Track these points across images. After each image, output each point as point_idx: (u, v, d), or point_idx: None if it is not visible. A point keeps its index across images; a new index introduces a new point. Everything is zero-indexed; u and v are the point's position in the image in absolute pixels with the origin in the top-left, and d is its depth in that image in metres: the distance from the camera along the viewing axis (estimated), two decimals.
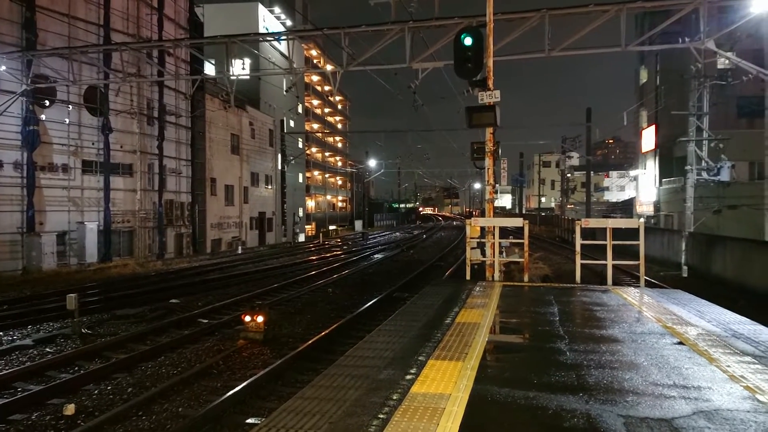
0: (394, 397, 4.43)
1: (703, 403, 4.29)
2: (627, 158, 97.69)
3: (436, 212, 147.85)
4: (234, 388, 7.80)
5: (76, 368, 9.41)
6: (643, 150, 41.58)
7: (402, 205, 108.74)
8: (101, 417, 6.99)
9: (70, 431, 6.64)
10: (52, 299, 15.01)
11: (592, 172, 48.68)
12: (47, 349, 10.61)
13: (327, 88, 70.44)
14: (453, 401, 4.33)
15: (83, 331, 11.72)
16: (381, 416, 4.04)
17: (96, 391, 8.20)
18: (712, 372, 5.07)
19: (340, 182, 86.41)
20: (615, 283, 10.99)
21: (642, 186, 43.56)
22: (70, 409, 7.31)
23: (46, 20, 22.55)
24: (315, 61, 68.90)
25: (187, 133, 32.41)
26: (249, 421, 6.90)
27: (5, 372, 8.93)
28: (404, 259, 28.85)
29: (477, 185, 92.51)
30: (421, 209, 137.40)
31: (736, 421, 3.92)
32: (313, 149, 70.47)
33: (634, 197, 47.89)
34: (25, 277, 20.52)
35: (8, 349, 10.47)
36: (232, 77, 18.98)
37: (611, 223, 11.13)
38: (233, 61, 18.58)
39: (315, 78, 68.69)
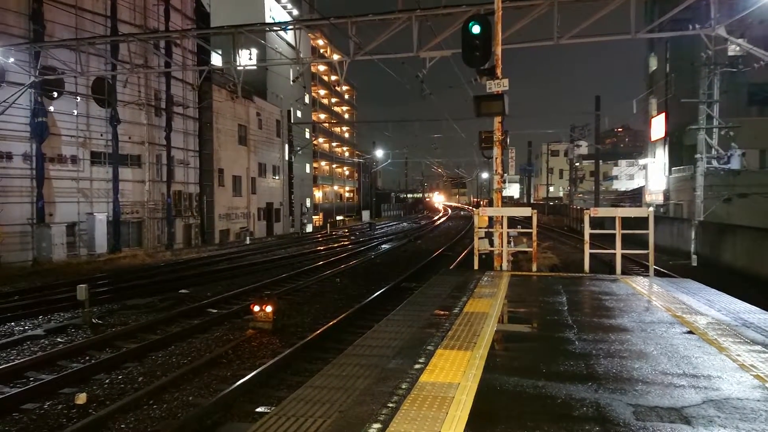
0: (403, 386, 4.44)
1: (713, 392, 4.28)
2: (636, 147, 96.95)
3: (448, 202, 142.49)
4: (244, 377, 7.85)
5: (87, 358, 9.50)
6: (653, 138, 41.25)
7: (409, 195, 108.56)
8: (112, 406, 7.05)
9: (82, 420, 6.71)
10: (63, 290, 15.14)
11: (600, 161, 48.41)
12: (58, 339, 10.72)
13: (334, 77, 70.23)
14: (462, 390, 4.33)
15: (94, 321, 11.82)
16: (390, 405, 4.05)
17: (107, 380, 8.28)
18: (722, 361, 5.05)
19: (347, 172, 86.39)
20: (624, 272, 10.95)
21: (651, 175, 43.26)
22: (81, 398, 7.39)
23: (54, 11, 22.59)
24: (322, 50, 68.68)
25: (195, 124, 32.47)
26: (259, 409, 6.95)
27: (17, 362, 9.03)
28: (412, 249, 28.85)
29: (485, 175, 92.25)
30: (434, 197, 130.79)
31: (746, 410, 3.90)
32: (320, 139, 70.39)
33: (643, 186, 47.60)
34: (36, 267, 20.69)
35: (20, 339, 10.58)
36: (239, 68, 18.96)
37: (620, 212, 11.07)
38: (240, 51, 18.54)
39: (322, 68, 68.49)
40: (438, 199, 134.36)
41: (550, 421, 3.73)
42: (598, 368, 4.86)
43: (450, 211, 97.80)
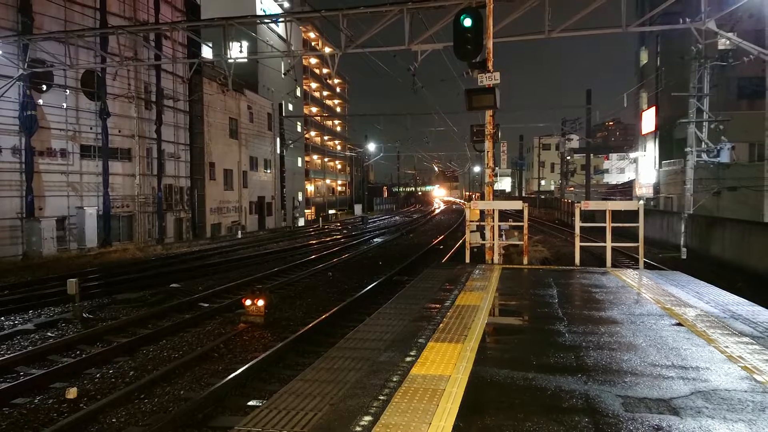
0: (395, 379, 4.45)
1: (701, 383, 4.32)
2: (627, 140, 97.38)
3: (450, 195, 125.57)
4: (235, 371, 7.85)
5: (78, 352, 9.46)
6: (643, 132, 41.43)
7: (402, 189, 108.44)
8: (103, 400, 7.04)
9: (73, 414, 6.69)
10: (53, 284, 15.06)
11: (592, 155, 48.51)
12: (49, 334, 10.66)
13: (325, 71, 70.01)
14: (453, 382, 4.35)
15: (84, 315, 11.78)
16: (381, 397, 4.07)
17: (98, 375, 8.26)
18: (710, 353, 5.10)
19: (339, 166, 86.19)
20: (614, 265, 11.02)
21: (642, 168, 43.48)
22: (72, 392, 7.36)
23: (42, 4, 22.34)
24: (313, 43, 68.38)
25: (186, 118, 32.28)
26: (251, 403, 6.95)
27: (7, 356, 8.98)
28: (404, 243, 28.90)
29: (477, 168, 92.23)
30: (434, 191, 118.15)
31: (733, 401, 3.95)
32: (312, 133, 70.19)
33: (634, 179, 47.84)
34: (26, 262, 20.56)
35: (10, 333, 10.52)
36: (229, 60, 18.85)
37: (610, 205, 11.13)
38: (231, 44, 18.43)
39: (313, 61, 68.22)
40: (438, 193, 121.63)
41: (539, 412, 3.76)
42: (587, 360, 4.89)
43: (443, 204, 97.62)
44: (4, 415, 6.90)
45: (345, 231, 38.93)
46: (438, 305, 7.19)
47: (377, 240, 30.72)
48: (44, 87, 22.99)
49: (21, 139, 21.93)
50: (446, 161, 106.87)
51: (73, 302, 11.79)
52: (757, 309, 6.86)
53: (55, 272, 17.83)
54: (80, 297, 11.90)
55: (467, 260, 11.50)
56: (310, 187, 67.74)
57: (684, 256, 22.06)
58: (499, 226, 12.06)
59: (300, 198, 56.06)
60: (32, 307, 12.66)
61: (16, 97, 21.58)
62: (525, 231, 11.39)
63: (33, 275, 17.50)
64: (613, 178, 76.04)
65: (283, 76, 44.17)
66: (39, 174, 22.71)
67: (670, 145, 35.90)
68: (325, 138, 78.57)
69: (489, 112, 12.15)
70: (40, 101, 22.76)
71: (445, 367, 4.74)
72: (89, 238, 24.09)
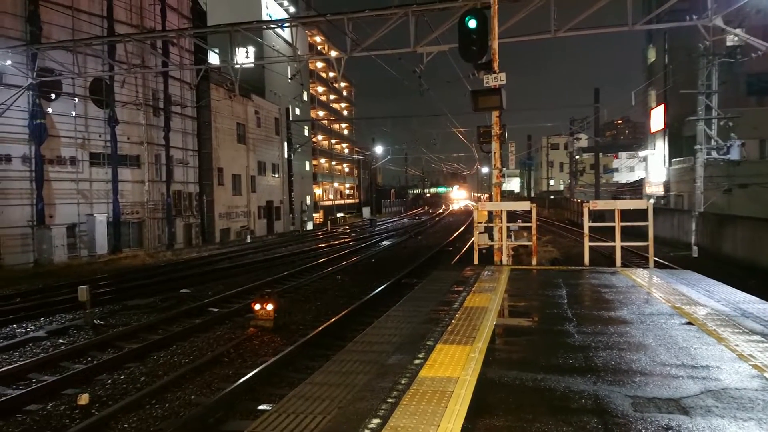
0: (403, 382, 4.45)
1: (712, 382, 4.29)
2: (636, 139, 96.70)
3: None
4: (245, 375, 7.87)
5: (89, 358, 9.53)
6: (652, 130, 41.21)
7: (411, 191, 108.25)
8: (115, 406, 7.08)
9: (85, 421, 6.73)
10: (64, 291, 15.16)
11: (601, 154, 48.29)
12: (60, 341, 10.74)
13: (332, 74, 70.12)
14: (461, 384, 4.35)
15: (95, 322, 11.85)
16: (390, 400, 4.07)
17: (109, 381, 8.30)
18: (721, 351, 5.06)
19: (347, 169, 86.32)
20: (624, 264, 10.95)
21: (651, 166, 43.22)
22: (84, 398, 7.41)
23: (50, 13, 22.56)
24: (319, 47, 68.56)
25: (193, 124, 32.44)
26: (261, 407, 6.97)
27: (20, 363, 9.06)
28: (412, 245, 28.86)
29: (485, 169, 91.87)
30: (451, 193, 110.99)
31: (743, 400, 3.92)
32: (320, 137, 70.34)
33: (644, 178, 47.55)
34: (37, 269, 20.71)
35: (22, 341, 10.61)
36: (236, 66, 18.95)
37: (620, 204, 11.06)
38: (237, 49, 18.53)
39: (319, 65, 68.38)
40: (458, 196, 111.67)
41: (548, 413, 3.75)
42: (596, 360, 4.87)
43: (452, 206, 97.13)
44: (18, 421, 6.96)
45: (353, 234, 38.96)
46: (446, 307, 7.18)
47: (386, 242, 30.72)
48: (53, 95, 23.17)
49: (31, 148, 22.11)
50: (455, 163, 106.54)
51: (84, 309, 11.86)
52: None
53: (65, 279, 17.96)
54: (91, 303, 11.96)
55: (476, 262, 11.47)
56: (318, 191, 67.87)
57: (695, 255, 21.90)
58: (508, 227, 12.03)
59: (308, 202, 56.16)
60: (44, 315, 12.76)
61: (25, 106, 21.76)
62: (534, 231, 11.35)
63: (44, 282, 17.62)
64: (623, 177, 75.52)
65: (289, 80, 44.27)
66: (49, 182, 22.89)
67: (680, 143, 35.67)
68: (333, 141, 78.73)
69: (495, 113, 12.14)
70: (49, 110, 22.95)
71: (454, 369, 4.73)
72: (99, 244, 24.25)
